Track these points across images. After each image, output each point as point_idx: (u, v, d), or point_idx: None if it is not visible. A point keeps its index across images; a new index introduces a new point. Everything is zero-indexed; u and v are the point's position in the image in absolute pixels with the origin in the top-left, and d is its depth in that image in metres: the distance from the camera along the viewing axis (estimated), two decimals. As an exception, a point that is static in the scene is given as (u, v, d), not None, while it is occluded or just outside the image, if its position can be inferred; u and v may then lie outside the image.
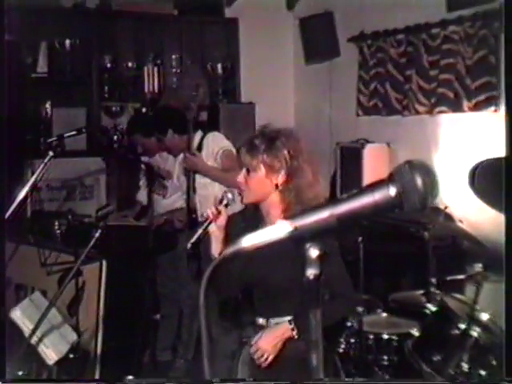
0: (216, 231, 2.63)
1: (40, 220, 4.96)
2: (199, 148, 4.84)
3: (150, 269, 4.81)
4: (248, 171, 2.62)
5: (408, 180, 1.10)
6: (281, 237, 1.10)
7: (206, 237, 2.64)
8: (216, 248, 2.65)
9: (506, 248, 2.21)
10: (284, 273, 2.55)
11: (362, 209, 1.11)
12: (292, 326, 2.59)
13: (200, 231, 2.62)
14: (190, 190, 4.76)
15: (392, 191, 1.10)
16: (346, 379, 3.45)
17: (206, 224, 2.62)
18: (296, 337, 2.59)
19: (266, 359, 2.63)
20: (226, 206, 2.64)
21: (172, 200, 5.17)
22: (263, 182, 2.60)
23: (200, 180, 4.78)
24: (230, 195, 2.65)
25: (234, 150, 4.81)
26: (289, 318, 2.62)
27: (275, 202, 2.62)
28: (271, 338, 2.63)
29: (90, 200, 6.13)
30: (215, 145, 4.83)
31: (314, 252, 1.10)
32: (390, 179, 1.11)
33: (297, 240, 1.11)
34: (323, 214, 1.11)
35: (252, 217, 2.74)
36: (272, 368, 2.66)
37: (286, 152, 2.56)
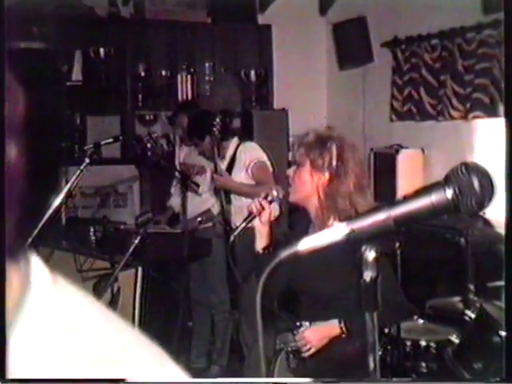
0: (259, 226, 2.65)
1: (75, 227, 4.99)
2: (233, 157, 4.83)
3: (185, 275, 4.80)
4: (298, 166, 2.63)
5: (465, 182, 1.08)
6: (338, 239, 1.10)
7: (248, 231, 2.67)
8: (260, 243, 2.66)
9: (505, 248, 2.17)
10: (334, 278, 2.54)
11: (420, 211, 1.10)
12: (342, 325, 2.56)
13: (243, 225, 2.66)
14: (224, 201, 4.75)
15: (448, 193, 1.09)
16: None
17: (249, 218, 2.64)
18: (344, 337, 2.56)
19: (308, 350, 2.60)
20: (270, 202, 2.64)
21: (204, 198, 5.10)
22: (306, 178, 2.59)
23: None
24: (274, 192, 2.65)
25: (267, 162, 4.78)
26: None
27: (317, 206, 2.61)
28: (318, 331, 2.60)
29: (123, 207, 6.16)
30: (247, 156, 4.79)
31: (370, 254, 1.09)
32: (446, 181, 1.10)
33: (353, 242, 1.10)
34: (380, 216, 1.10)
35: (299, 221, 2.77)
36: (316, 371, 2.64)
37: (333, 153, 2.55)
